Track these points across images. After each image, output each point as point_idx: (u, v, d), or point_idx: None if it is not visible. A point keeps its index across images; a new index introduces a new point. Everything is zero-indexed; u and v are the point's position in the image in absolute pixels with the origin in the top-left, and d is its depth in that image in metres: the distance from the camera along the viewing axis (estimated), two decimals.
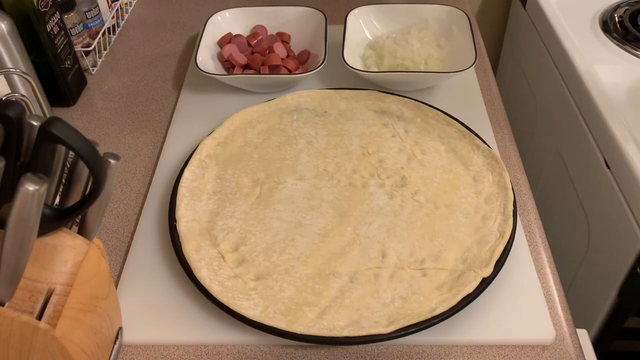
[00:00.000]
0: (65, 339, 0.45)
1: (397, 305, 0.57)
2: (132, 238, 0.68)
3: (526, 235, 0.67)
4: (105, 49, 0.99)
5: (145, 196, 0.73)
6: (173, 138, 0.80)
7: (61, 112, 0.87)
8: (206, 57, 0.87)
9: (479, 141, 0.73)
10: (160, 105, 0.88)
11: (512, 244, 0.62)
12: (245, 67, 0.88)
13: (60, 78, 0.85)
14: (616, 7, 1.05)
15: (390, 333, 0.54)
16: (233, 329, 0.57)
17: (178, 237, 0.63)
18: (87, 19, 0.95)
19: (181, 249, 0.62)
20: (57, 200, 0.49)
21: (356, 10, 0.92)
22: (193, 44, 1.01)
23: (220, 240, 0.64)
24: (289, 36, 0.93)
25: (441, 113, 0.77)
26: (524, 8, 1.18)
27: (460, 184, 0.69)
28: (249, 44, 0.90)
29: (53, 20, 0.81)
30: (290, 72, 0.86)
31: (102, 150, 0.68)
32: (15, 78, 0.75)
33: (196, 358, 0.57)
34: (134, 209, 0.72)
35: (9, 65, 0.74)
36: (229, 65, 0.89)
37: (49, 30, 0.80)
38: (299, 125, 0.78)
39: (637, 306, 0.81)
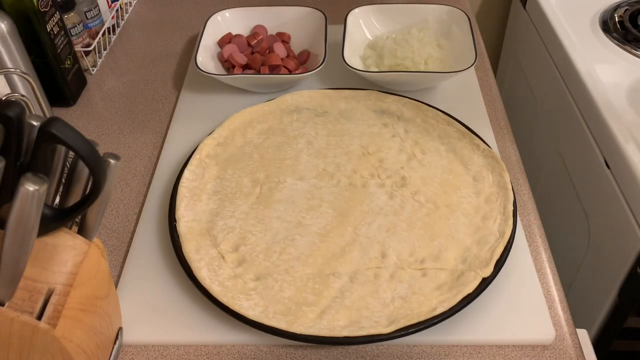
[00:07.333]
0: (65, 339, 0.45)
1: (397, 305, 0.57)
2: (132, 238, 0.68)
3: (526, 235, 0.67)
4: (105, 49, 0.99)
5: (145, 196, 0.73)
6: (173, 138, 0.80)
7: (61, 112, 0.87)
8: (206, 57, 0.87)
9: (478, 141, 0.73)
10: (160, 105, 0.88)
11: (512, 244, 0.62)
12: (245, 67, 0.88)
13: (60, 78, 0.85)
14: (616, 7, 1.05)
15: (390, 333, 0.54)
16: (233, 329, 0.57)
17: (178, 237, 0.63)
18: (87, 19, 0.95)
19: (181, 249, 0.62)
20: (57, 200, 0.49)
21: (356, 10, 0.92)
22: (193, 44, 1.01)
23: (220, 240, 0.64)
24: (289, 36, 0.93)
25: (441, 113, 0.77)
26: (524, 8, 1.18)
27: (460, 184, 0.69)
28: (249, 44, 0.90)
29: (53, 20, 0.81)
30: (290, 72, 0.86)
31: (102, 150, 0.68)
32: (15, 78, 0.75)
33: (196, 358, 0.57)
34: (134, 209, 0.72)
35: (9, 65, 0.74)
36: (229, 65, 0.89)
37: (49, 30, 0.80)
38: (299, 125, 0.78)
39: (637, 306, 0.81)
